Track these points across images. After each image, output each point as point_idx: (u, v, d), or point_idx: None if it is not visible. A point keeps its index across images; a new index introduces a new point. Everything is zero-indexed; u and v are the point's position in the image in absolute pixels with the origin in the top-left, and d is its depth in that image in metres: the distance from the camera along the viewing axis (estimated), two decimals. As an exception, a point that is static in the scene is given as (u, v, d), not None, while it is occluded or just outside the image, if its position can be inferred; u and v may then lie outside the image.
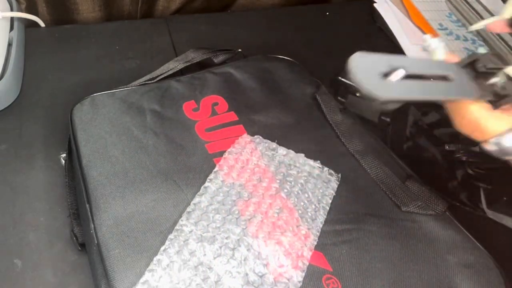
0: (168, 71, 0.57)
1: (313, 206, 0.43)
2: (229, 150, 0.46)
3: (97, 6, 0.72)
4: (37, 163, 0.53)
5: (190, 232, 0.39)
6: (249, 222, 0.40)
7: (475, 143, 0.32)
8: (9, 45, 0.61)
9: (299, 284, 0.38)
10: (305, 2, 0.82)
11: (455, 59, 0.32)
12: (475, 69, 0.30)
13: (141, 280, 0.36)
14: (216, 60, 0.60)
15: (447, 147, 0.45)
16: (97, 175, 0.44)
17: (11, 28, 0.63)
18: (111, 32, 0.70)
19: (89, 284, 0.44)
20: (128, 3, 0.74)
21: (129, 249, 0.39)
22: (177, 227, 0.40)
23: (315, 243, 0.41)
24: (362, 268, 0.40)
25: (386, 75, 0.27)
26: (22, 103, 0.59)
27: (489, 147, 0.29)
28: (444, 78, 0.29)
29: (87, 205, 0.42)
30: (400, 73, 0.27)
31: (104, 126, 0.48)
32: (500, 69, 0.30)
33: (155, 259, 0.38)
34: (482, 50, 0.37)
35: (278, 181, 0.44)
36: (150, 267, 0.37)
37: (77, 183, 0.47)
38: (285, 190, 0.43)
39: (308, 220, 0.42)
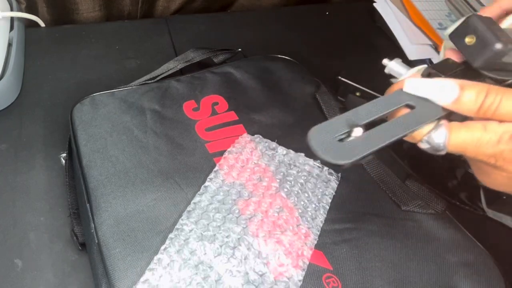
0: (168, 71, 0.57)
1: (313, 206, 0.43)
2: (229, 149, 0.46)
3: (97, 6, 0.72)
4: (37, 163, 0.53)
5: (191, 231, 0.39)
6: (249, 221, 0.40)
7: None
8: (9, 45, 0.61)
9: (299, 283, 0.38)
10: (305, 2, 0.83)
11: (417, 75, 0.31)
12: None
13: (142, 279, 0.36)
14: (216, 60, 0.60)
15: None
16: (97, 174, 0.44)
17: (11, 28, 0.63)
18: (111, 32, 0.70)
19: (89, 284, 0.44)
20: (128, 3, 0.74)
21: (129, 248, 0.39)
22: (177, 226, 0.40)
23: (315, 242, 0.41)
24: (362, 267, 0.40)
25: (347, 134, 0.27)
26: (22, 103, 0.59)
27: (422, 145, 0.29)
28: (407, 107, 0.28)
29: (88, 205, 0.42)
30: (358, 132, 0.27)
31: (104, 125, 0.48)
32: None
33: (155, 258, 0.38)
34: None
35: (278, 180, 0.44)
36: (150, 266, 0.37)
37: (77, 182, 0.47)
38: (285, 190, 0.44)
39: (308, 219, 0.42)
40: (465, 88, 0.27)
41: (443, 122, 0.28)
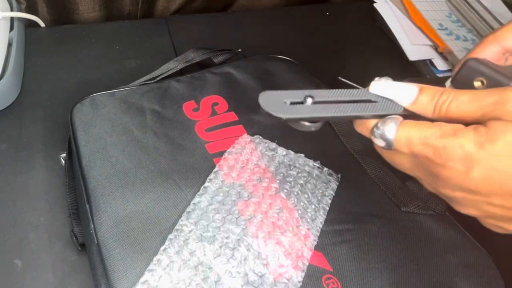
0: (168, 71, 0.57)
1: (313, 206, 0.43)
2: (229, 150, 0.46)
3: (97, 6, 0.72)
4: (37, 163, 0.53)
5: (190, 232, 0.39)
6: (249, 222, 0.40)
7: None
8: (9, 45, 0.61)
9: (299, 284, 0.38)
10: (305, 2, 0.82)
11: None
12: None
13: (141, 280, 0.36)
14: (216, 60, 0.60)
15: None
16: (97, 175, 0.44)
17: (11, 28, 0.63)
18: (111, 32, 0.70)
19: (89, 284, 0.44)
20: (128, 3, 0.74)
21: (129, 249, 0.39)
22: (177, 227, 0.40)
23: (315, 243, 0.41)
24: (362, 268, 0.40)
25: (299, 103, 0.29)
26: (22, 103, 0.59)
27: (377, 142, 0.30)
28: (367, 101, 0.30)
29: (87, 205, 0.42)
30: (309, 101, 0.29)
31: (104, 126, 0.48)
32: None
33: (155, 259, 0.38)
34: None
35: (278, 181, 0.44)
36: (150, 267, 0.37)
37: (77, 183, 0.47)
38: (285, 190, 0.44)
39: (308, 220, 0.42)
40: (423, 90, 0.29)
41: (396, 116, 0.29)
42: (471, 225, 0.44)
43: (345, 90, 0.30)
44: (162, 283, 0.36)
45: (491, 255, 0.42)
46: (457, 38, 0.72)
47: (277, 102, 0.29)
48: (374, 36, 0.76)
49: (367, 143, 0.50)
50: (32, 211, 0.48)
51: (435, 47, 0.71)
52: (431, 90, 0.29)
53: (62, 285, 0.44)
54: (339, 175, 0.46)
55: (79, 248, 0.46)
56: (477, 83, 0.30)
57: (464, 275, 0.40)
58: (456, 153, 0.26)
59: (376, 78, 0.33)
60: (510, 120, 0.25)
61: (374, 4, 0.77)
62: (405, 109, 0.29)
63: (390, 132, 0.29)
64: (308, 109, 0.29)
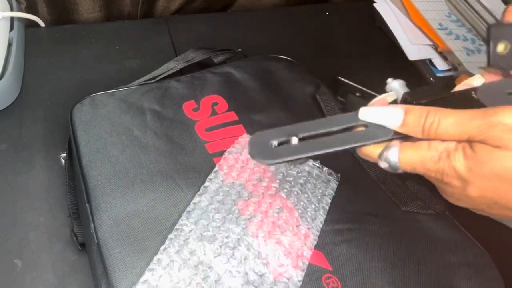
0: (168, 71, 0.57)
1: (313, 206, 0.43)
2: (229, 150, 0.46)
3: (97, 7, 0.72)
4: (37, 163, 0.53)
5: (190, 231, 0.39)
6: (249, 221, 0.40)
7: None
8: (9, 45, 0.61)
9: (299, 284, 0.38)
10: (305, 2, 0.83)
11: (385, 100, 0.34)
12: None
13: (141, 280, 0.36)
14: (216, 60, 0.60)
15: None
16: (97, 174, 0.44)
17: (11, 28, 0.63)
18: (111, 32, 0.70)
19: (89, 284, 0.44)
20: (128, 4, 0.74)
21: (129, 249, 0.39)
22: (177, 226, 0.40)
23: (315, 242, 0.41)
24: (362, 267, 0.40)
25: (286, 142, 0.29)
26: (22, 103, 0.59)
27: (382, 164, 0.31)
28: (357, 126, 0.30)
29: (87, 205, 0.42)
30: (294, 141, 0.29)
31: (104, 126, 0.48)
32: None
33: (155, 258, 0.38)
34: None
35: (278, 181, 0.44)
36: (150, 267, 0.37)
37: (77, 183, 0.47)
38: (285, 190, 0.44)
39: (308, 219, 0.42)
40: (408, 112, 0.30)
41: (395, 142, 0.30)
42: (471, 225, 0.44)
43: (332, 117, 0.31)
44: (162, 282, 0.36)
45: (491, 255, 0.42)
46: (457, 37, 0.72)
47: (264, 145, 0.29)
48: (374, 36, 0.76)
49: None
50: (32, 211, 0.48)
51: (435, 47, 0.71)
52: (416, 110, 0.29)
53: (62, 285, 0.44)
54: (339, 175, 0.46)
55: (79, 248, 0.46)
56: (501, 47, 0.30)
57: (464, 275, 0.40)
58: (453, 174, 0.28)
59: (389, 80, 0.33)
60: (494, 146, 0.26)
61: (374, 4, 0.77)
62: (396, 132, 0.30)
63: (394, 157, 0.30)
64: (294, 149, 0.29)
